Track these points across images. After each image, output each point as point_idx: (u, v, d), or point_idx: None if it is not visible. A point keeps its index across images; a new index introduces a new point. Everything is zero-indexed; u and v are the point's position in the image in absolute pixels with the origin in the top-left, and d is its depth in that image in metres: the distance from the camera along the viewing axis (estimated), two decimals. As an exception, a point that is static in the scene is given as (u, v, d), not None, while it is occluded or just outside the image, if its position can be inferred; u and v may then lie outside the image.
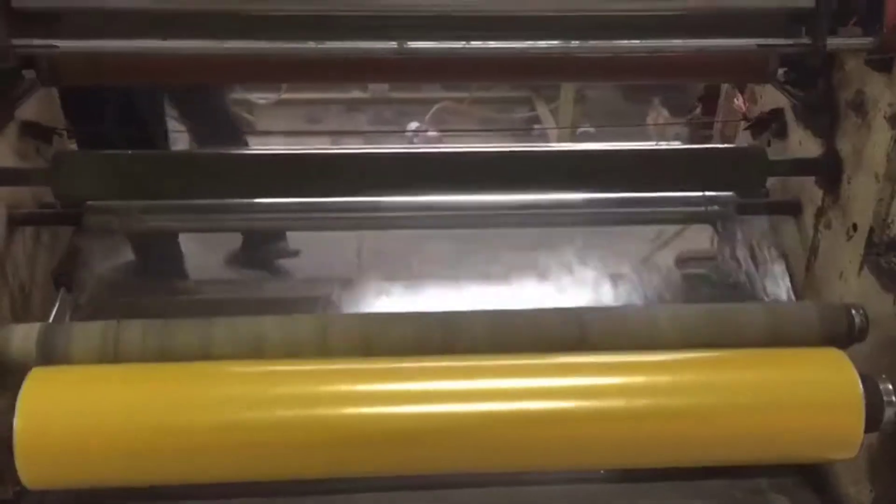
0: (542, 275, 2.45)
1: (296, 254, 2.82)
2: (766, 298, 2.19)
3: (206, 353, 1.65)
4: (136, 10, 1.86)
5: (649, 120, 4.27)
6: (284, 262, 2.81)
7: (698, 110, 3.75)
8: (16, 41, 1.77)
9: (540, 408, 1.55)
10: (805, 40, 1.88)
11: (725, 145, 2.68)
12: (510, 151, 2.40)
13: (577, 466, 1.76)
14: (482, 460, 1.60)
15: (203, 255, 2.72)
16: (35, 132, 2.28)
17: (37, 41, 1.80)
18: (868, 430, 1.64)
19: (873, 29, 1.84)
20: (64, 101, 2.46)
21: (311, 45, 1.88)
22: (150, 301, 2.38)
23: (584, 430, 1.59)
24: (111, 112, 2.76)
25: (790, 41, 1.91)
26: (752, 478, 1.86)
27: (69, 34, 1.86)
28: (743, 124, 2.58)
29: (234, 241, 2.81)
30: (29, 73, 2.10)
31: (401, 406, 1.55)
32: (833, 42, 1.89)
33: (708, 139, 3.07)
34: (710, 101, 3.31)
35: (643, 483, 1.81)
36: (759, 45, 1.91)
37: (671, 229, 2.64)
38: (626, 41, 1.91)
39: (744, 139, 2.59)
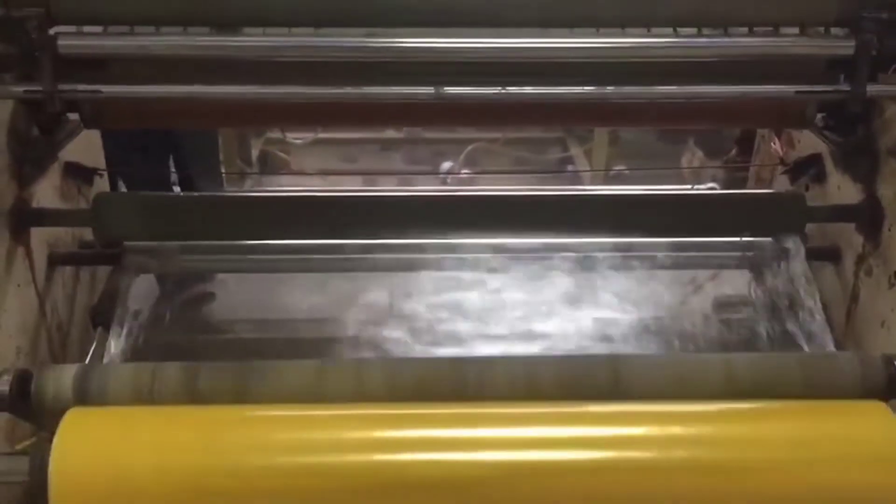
0: (574, 320, 2.43)
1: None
2: (804, 347, 2.15)
3: (241, 397, 1.64)
4: (178, 56, 1.90)
5: (684, 161, 4.26)
6: (316, 304, 2.80)
7: (734, 152, 3.74)
8: (61, 86, 1.82)
9: (571, 458, 1.52)
10: (844, 87, 1.88)
11: (762, 190, 2.66)
12: (544, 195, 2.40)
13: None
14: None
15: (237, 294, 2.74)
16: (77, 173, 2.33)
17: (81, 86, 1.85)
18: (914, 486, 1.59)
19: (913, 75, 1.84)
20: (105, 142, 2.51)
21: (350, 90, 1.91)
22: (185, 340, 2.39)
23: (616, 482, 1.55)
24: (158, 152, 2.81)
25: (830, 88, 1.91)
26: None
27: (113, 79, 1.92)
28: (780, 168, 2.57)
29: (270, 281, 2.83)
30: (73, 116, 2.15)
31: (428, 453, 1.53)
32: (873, 89, 1.88)
33: (744, 181, 3.04)
34: (746, 142, 3.28)
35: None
36: (797, 92, 1.90)
37: (707, 274, 2.61)
38: (662, 87, 1.92)
39: (781, 183, 2.57)
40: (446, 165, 4.15)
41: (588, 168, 4.05)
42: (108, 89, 1.86)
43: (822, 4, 1.90)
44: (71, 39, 1.83)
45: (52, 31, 1.84)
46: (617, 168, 4.07)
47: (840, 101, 1.93)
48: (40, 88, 1.82)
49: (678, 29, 1.91)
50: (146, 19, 1.88)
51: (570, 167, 4.22)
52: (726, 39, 1.92)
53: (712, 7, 1.91)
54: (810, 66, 1.96)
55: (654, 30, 1.94)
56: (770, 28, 1.95)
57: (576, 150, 4.33)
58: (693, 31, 1.92)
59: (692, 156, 4.27)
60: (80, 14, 1.86)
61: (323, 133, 4.23)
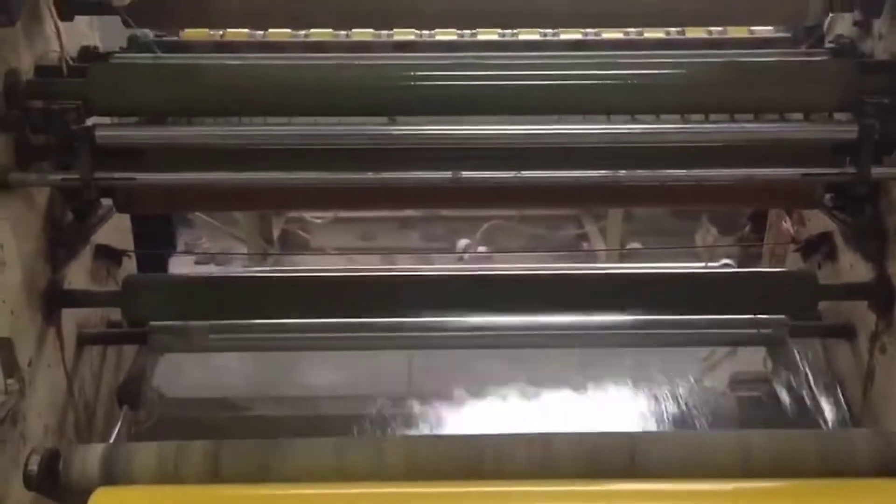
0: (592, 396, 2.45)
1: None
2: (821, 424, 2.15)
3: (263, 475, 1.68)
4: (209, 145, 1.99)
5: (698, 237, 4.29)
6: (336, 381, 2.84)
7: (748, 229, 3.79)
8: (98, 174, 1.91)
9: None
10: (850, 170, 1.93)
11: (775, 269, 2.69)
12: (559, 274, 2.45)
13: None
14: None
15: (259, 372, 2.79)
16: (106, 255, 2.41)
17: (117, 174, 1.94)
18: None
19: (916, 158, 1.89)
20: (135, 225, 2.60)
21: (371, 175, 1.99)
22: (209, 418, 2.43)
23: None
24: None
25: (835, 171, 1.96)
26: None
27: (145, 166, 2.01)
28: (792, 246, 2.61)
29: (291, 359, 2.87)
30: (105, 201, 2.24)
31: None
32: (877, 171, 1.94)
33: (758, 258, 3.08)
34: (759, 219, 3.34)
35: None
36: (804, 175, 1.96)
37: (722, 350, 2.63)
38: (672, 170, 1.98)
39: (794, 260, 2.61)
40: (463, 243, 4.21)
41: (603, 245, 4.10)
42: (142, 176, 1.95)
43: (825, 91, 1.97)
44: (108, 130, 1.93)
45: (88, 122, 1.94)
46: (631, 246, 4.12)
47: (846, 182, 1.99)
48: (78, 176, 1.90)
49: (686, 115, 1.99)
50: (178, 111, 1.97)
51: (585, 244, 4.28)
52: (734, 125, 1.99)
53: (720, 95, 1.99)
54: (816, 149, 2.02)
55: (663, 116, 2.01)
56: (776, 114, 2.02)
57: (591, 228, 4.39)
58: (701, 116, 2.00)
59: (706, 232, 4.31)
60: (116, 106, 1.96)
61: (342, 212, 4.32)
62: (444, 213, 4.54)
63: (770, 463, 1.71)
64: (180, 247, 3.78)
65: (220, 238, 4.27)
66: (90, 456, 1.70)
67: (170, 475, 1.68)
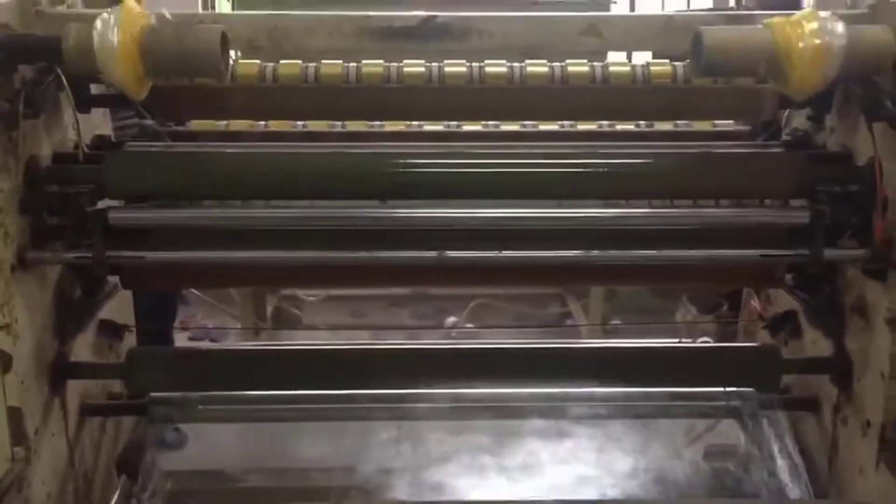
0: (573, 466, 2.54)
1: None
2: (787, 494, 2.25)
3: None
4: (210, 226, 2.13)
5: (678, 316, 4.43)
6: (328, 452, 2.91)
7: (725, 308, 3.93)
8: (109, 252, 2.04)
9: None
10: (804, 251, 2.08)
11: (742, 344, 2.83)
12: (539, 348, 2.58)
13: None
14: None
15: (250, 443, 2.87)
16: (110, 329, 2.52)
17: (127, 252, 2.08)
18: None
19: (866, 241, 2.05)
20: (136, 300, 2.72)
21: (363, 254, 2.13)
22: (201, 489, 2.50)
23: None
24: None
25: (791, 252, 2.12)
26: None
27: (150, 245, 2.14)
28: (761, 323, 2.75)
29: (280, 430, 2.96)
30: (112, 278, 2.37)
31: None
32: (830, 253, 2.09)
33: (734, 335, 3.21)
34: (735, 299, 3.49)
35: None
36: (762, 256, 2.12)
37: (702, 425, 2.74)
38: (642, 251, 2.14)
39: (764, 337, 2.74)
40: (451, 321, 4.34)
41: (585, 322, 4.24)
42: (150, 255, 2.09)
43: (780, 179, 2.14)
44: (120, 213, 2.08)
45: (101, 205, 2.08)
46: (614, 323, 4.25)
47: (802, 263, 2.14)
48: (90, 255, 2.04)
49: (652, 202, 2.15)
50: (185, 194, 2.12)
51: (568, 321, 4.42)
52: (697, 210, 2.16)
53: (684, 182, 2.16)
54: (775, 232, 2.18)
55: (633, 202, 2.17)
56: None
57: (574, 306, 4.54)
58: (666, 202, 2.16)
59: (686, 312, 4.45)
60: (128, 190, 2.11)
61: (334, 290, 4.45)
62: (433, 291, 4.68)
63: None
64: (176, 323, 3.90)
65: (216, 315, 4.38)
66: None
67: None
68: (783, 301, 2.63)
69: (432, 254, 2.12)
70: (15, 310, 1.94)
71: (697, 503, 2.03)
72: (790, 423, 2.47)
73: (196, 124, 2.45)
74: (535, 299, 4.67)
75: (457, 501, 1.88)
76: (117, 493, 2.23)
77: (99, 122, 2.38)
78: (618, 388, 2.48)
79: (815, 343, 2.42)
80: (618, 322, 4.07)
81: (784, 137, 2.39)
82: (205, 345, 3.18)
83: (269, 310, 4.40)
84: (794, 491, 2.24)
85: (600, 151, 2.24)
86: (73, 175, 2.08)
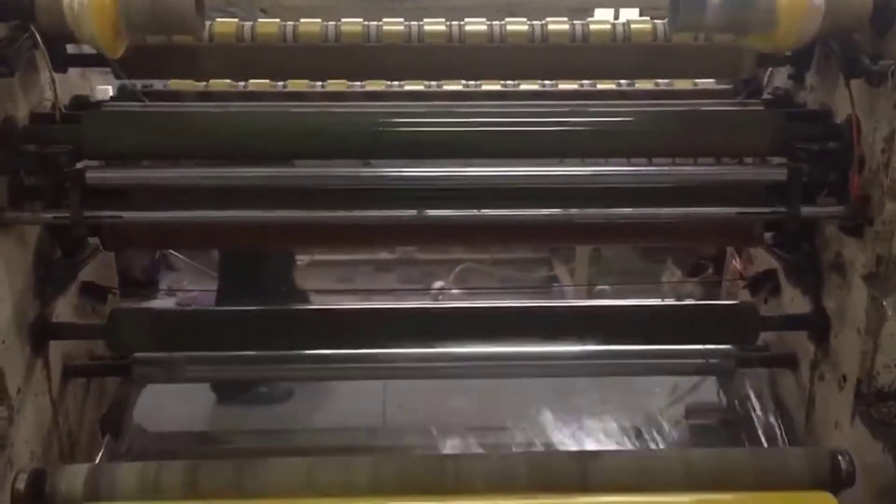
0: (557, 422, 2.58)
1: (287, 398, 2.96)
2: (763, 444, 2.29)
3: (238, 493, 1.79)
4: (192, 186, 2.13)
5: (664, 279, 4.45)
6: (315, 413, 2.94)
7: (710, 270, 3.96)
8: (87, 213, 2.04)
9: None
10: (781, 209, 2.09)
11: (720, 302, 2.85)
12: (525, 307, 2.60)
13: None
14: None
15: (236, 405, 2.90)
16: (92, 291, 2.52)
17: (105, 212, 2.07)
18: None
19: (844, 198, 2.06)
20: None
21: (343, 213, 2.13)
22: (185, 448, 2.53)
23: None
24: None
25: (767, 210, 2.13)
26: None
27: (131, 206, 2.13)
28: (741, 283, 2.77)
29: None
30: (92, 239, 2.37)
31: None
32: (807, 210, 2.10)
33: (718, 298, 3.24)
34: (720, 262, 3.51)
35: None
36: (738, 213, 2.13)
37: (683, 382, 2.78)
38: (620, 209, 2.14)
39: (746, 297, 2.77)
40: (438, 284, 4.35)
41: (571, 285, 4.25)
42: (128, 215, 2.08)
43: (758, 137, 2.14)
44: (98, 172, 2.06)
45: (79, 165, 2.07)
46: (600, 286, 4.26)
47: (779, 221, 2.15)
48: (68, 215, 2.03)
49: (632, 159, 2.15)
50: (164, 155, 2.12)
51: (555, 285, 4.43)
52: (675, 168, 2.17)
53: (663, 141, 2.16)
54: (753, 190, 2.19)
55: (611, 160, 2.18)
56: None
57: (560, 269, 4.54)
58: (645, 160, 2.17)
59: (671, 275, 4.47)
60: (106, 150, 2.10)
61: (320, 255, 4.44)
62: (419, 256, 4.68)
63: (710, 478, 1.85)
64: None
65: (202, 280, 4.38)
66: (75, 475, 1.81)
67: (151, 492, 1.79)
68: (763, 261, 2.65)
69: (412, 212, 2.12)
70: (-6, 270, 1.94)
71: (675, 453, 2.06)
72: (769, 380, 2.50)
73: (174, 84, 2.44)
74: (522, 263, 4.67)
75: (428, 455, 1.91)
76: (101, 451, 2.25)
77: (77, 83, 2.37)
78: (599, 346, 2.50)
79: (794, 301, 2.44)
80: (604, 286, 4.08)
81: (765, 96, 2.40)
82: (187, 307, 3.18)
83: (256, 275, 4.39)
84: (772, 444, 2.28)
85: (581, 110, 2.23)
86: (50, 135, 2.06)
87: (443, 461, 1.86)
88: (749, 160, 2.22)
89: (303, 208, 2.12)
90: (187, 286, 4.42)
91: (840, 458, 1.83)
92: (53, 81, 2.09)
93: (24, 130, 2.04)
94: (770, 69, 2.45)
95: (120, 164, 2.15)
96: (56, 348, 2.29)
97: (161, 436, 2.63)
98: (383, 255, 4.58)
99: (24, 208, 2.05)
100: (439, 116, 2.20)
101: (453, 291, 4.19)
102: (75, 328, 2.36)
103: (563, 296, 4.17)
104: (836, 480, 1.85)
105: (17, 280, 2.07)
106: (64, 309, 2.34)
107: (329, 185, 2.13)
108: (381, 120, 2.17)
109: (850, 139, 2.00)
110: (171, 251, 4.18)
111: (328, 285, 4.52)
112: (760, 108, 2.29)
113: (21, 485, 1.79)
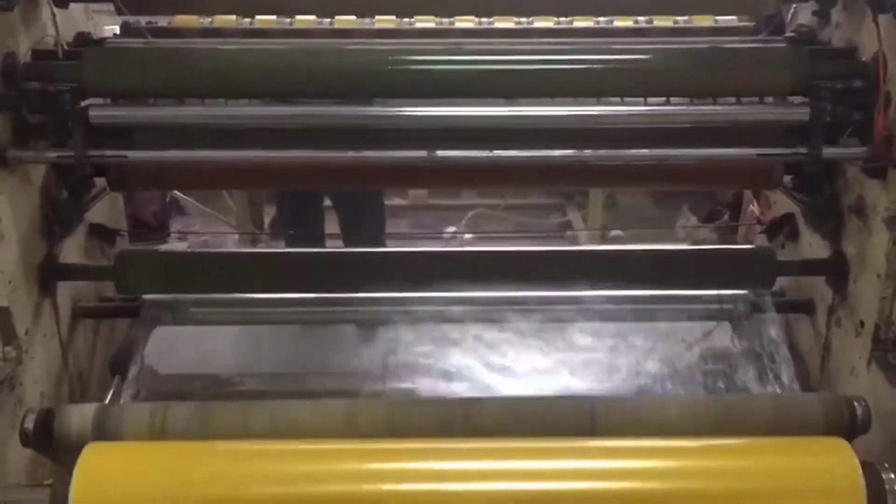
0: (570, 368, 2.55)
1: None
2: (776, 390, 2.26)
3: (245, 433, 1.78)
4: (196, 125, 2.08)
5: (679, 225, 4.40)
6: (325, 356, 2.93)
7: (727, 217, 3.90)
8: (91, 152, 2.01)
9: (549, 489, 1.64)
10: (802, 150, 2.03)
11: (736, 246, 2.80)
12: (539, 251, 2.56)
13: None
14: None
15: (248, 347, 2.89)
16: (100, 233, 2.51)
17: (109, 152, 2.04)
18: (871, 517, 1.68)
19: (867, 139, 2.00)
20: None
21: (351, 154, 2.09)
22: (194, 390, 2.53)
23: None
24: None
25: (788, 151, 2.06)
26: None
27: (137, 146, 2.10)
28: (759, 228, 2.72)
29: (277, 334, 2.97)
30: (99, 180, 2.34)
31: (420, 483, 1.65)
32: (829, 151, 2.03)
33: (734, 244, 3.19)
34: (736, 208, 3.45)
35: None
36: (759, 155, 2.06)
37: (697, 327, 2.74)
38: (635, 150, 2.08)
39: (764, 243, 2.71)
40: (450, 230, 4.32)
41: (585, 232, 4.21)
42: (133, 154, 2.05)
43: (780, 76, 2.06)
44: (101, 110, 2.02)
45: (83, 104, 2.03)
46: (614, 231, 4.22)
47: (800, 163, 2.09)
48: (72, 154, 1.99)
49: (648, 99, 2.08)
50: (168, 93, 2.07)
51: (568, 232, 4.39)
52: (692, 108, 2.09)
53: (681, 79, 2.08)
54: (773, 131, 2.12)
55: (627, 99, 2.11)
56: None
57: (573, 215, 4.50)
58: (662, 100, 2.10)
59: (686, 221, 4.42)
60: (109, 88, 2.05)
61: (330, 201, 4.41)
62: (432, 201, 4.64)
63: (726, 424, 1.81)
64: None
65: (214, 225, 4.36)
66: (83, 414, 1.80)
67: (157, 432, 1.78)
68: (782, 206, 2.60)
69: (422, 153, 2.07)
70: (-1, 209, 1.92)
71: (688, 398, 2.03)
72: (784, 325, 2.47)
73: (179, 20, 2.38)
74: (535, 209, 4.63)
75: (438, 397, 1.89)
76: (110, 392, 2.25)
77: (81, 20, 2.32)
78: (613, 290, 2.46)
79: (812, 246, 2.39)
80: (618, 231, 4.04)
81: (789, 33, 2.32)
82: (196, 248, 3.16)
83: (267, 221, 4.37)
84: (784, 387, 2.25)
85: (596, 48, 2.17)
86: (52, 72, 2.02)
87: (451, 403, 1.84)
88: (770, 100, 2.15)
89: (311, 148, 2.08)
90: (199, 230, 4.42)
91: (856, 404, 1.80)
92: (54, 16, 2.05)
93: (24, 67, 2.00)
94: (794, 5, 2.36)
95: (125, 102, 2.10)
96: (64, 290, 2.29)
97: (171, 377, 2.62)
98: (396, 200, 4.54)
99: (28, 147, 2.02)
100: (451, 54, 2.13)
101: (466, 236, 4.16)
102: (83, 269, 2.35)
103: (576, 242, 4.13)
104: (851, 427, 1.82)
105: (22, 219, 2.05)
106: (72, 250, 2.33)
107: (337, 124, 2.08)
108: (390, 57, 2.10)
109: (876, 77, 1.93)
110: (182, 195, 4.16)
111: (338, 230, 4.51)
112: (783, 45, 2.21)
113: (30, 424, 1.78)
